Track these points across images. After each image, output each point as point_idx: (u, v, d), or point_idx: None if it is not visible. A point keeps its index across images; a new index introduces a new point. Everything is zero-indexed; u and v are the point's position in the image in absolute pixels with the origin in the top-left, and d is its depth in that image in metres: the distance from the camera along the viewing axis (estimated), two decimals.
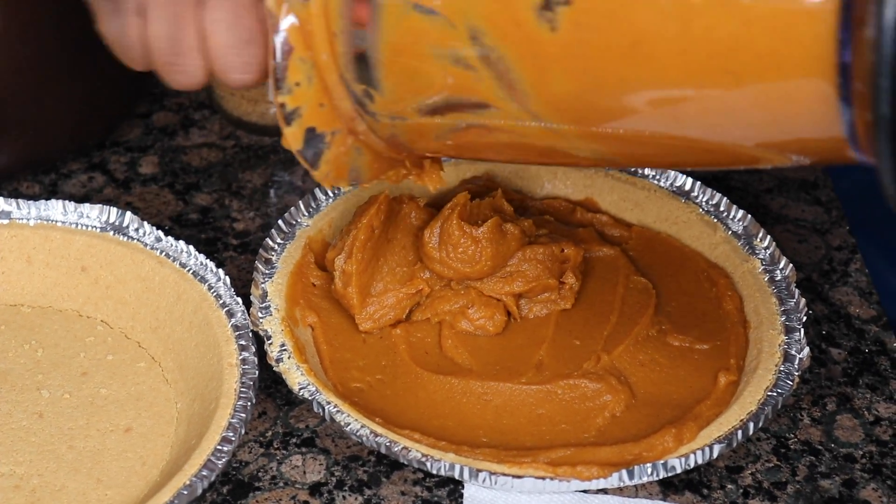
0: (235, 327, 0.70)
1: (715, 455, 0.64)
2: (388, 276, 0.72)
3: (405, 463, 0.64)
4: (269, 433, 0.70)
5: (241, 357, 0.68)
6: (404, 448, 0.64)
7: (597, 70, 0.52)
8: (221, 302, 0.71)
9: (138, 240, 0.74)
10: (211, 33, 0.59)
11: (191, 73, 0.61)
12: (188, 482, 0.61)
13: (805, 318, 0.71)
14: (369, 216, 0.72)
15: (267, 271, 0.73)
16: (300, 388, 0.67)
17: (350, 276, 0.71)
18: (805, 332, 0.71)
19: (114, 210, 0.75)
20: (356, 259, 0.71)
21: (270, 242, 0.75)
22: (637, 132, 0.54)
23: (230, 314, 0.70)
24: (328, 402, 0.66)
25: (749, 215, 0.77)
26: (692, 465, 0.64)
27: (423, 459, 0.64)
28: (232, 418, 0.65)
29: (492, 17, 0.53)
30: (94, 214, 0.75)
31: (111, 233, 0.75)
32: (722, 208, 0.78)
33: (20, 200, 0.75)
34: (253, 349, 0.68)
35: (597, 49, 0.52)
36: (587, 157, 0.57)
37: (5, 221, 0.75)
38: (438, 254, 0.71)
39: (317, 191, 0.78)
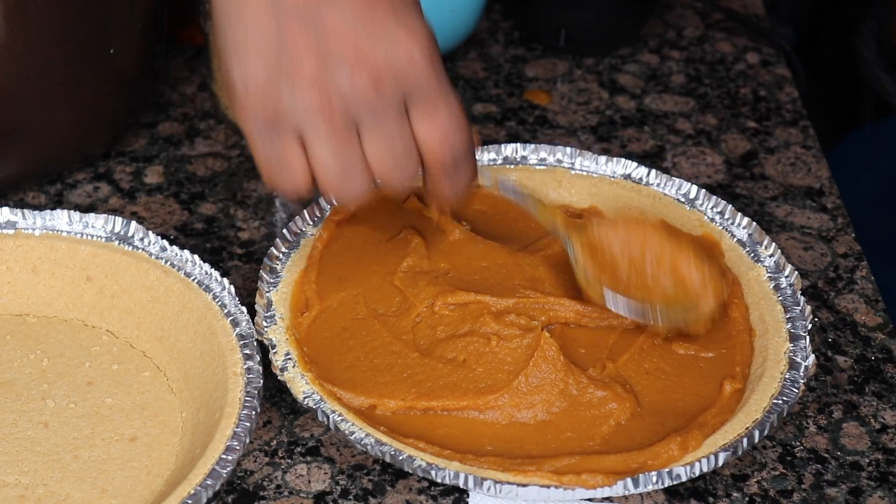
0: (240, 336, 0.70)
1: (720, 463, 0.64)
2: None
3: (410, 471, 0.64)
4: (274, 442, 0.70)
5: (245, 366, 0.68)
6: (409, 456, 0.64)
7: None
8: (226, 311, 0.71)
9: (143, 249, 0.75)
10: (372, 156, 0.64)
11: (358, 192, 0.65)
12: (193, 491, 0.61)
13: (811, 326, 0.71)
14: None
15: (272, 280, 0.73)
16: (305, 397, 0.67)
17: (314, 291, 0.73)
18: (811, 340, 0.71)
19: (119, 220, 0.75)
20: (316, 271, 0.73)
21: (275, 251, 0.75)
22: None
23: (235, 323, 0.70)
24: (333, 411, 0.66)
25: (754, 223, 0.77)
26: (697, 473, 0.64)
27: (428, 468, 0.64)
28: (237, 427, 0.65)
29: None
30: (99, 224, 0.75)
31: (116, 242, 0.75)
32: (727, 216, 0.78)
33: (26, 210, 0.76)
34: (258, 358, 0.69)
35: None
36: None
37: (11, 231, 0.75)
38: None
39: (321, 200, 0.78)
